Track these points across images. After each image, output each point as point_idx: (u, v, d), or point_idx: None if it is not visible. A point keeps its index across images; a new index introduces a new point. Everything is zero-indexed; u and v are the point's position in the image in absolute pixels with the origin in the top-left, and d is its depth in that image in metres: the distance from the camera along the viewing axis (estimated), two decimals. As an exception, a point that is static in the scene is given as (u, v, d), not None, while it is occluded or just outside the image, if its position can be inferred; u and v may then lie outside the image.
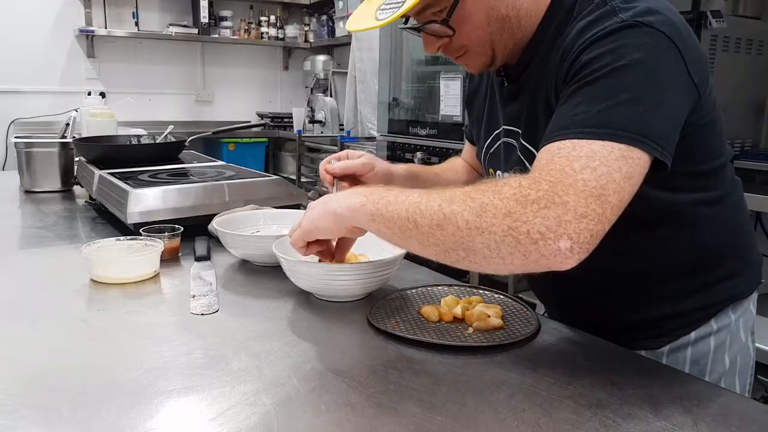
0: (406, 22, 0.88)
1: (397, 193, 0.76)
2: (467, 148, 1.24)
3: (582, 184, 0.65)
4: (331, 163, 1.07)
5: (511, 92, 0.93)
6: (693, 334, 0.91)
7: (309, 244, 0.88)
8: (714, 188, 0.87)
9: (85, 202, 1.70)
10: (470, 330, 0.85)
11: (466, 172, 1.23)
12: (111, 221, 1.46)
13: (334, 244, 0.94)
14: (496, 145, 1.00)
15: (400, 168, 1.14)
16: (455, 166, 1.25)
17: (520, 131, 0.91)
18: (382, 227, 0.75)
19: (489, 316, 0.87)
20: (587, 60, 0.73)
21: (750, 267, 0.95)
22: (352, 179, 1.06)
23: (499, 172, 1.00)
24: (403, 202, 0.73)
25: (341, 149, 3.27)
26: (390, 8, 0.78)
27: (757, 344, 0.98)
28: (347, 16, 4.20)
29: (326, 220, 0.82)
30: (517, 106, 0.92)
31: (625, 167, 0.67)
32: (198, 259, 1.11)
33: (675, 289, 0.90)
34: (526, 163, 0.89)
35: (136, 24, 4.39)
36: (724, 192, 0.89)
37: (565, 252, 0.64)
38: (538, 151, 0.85)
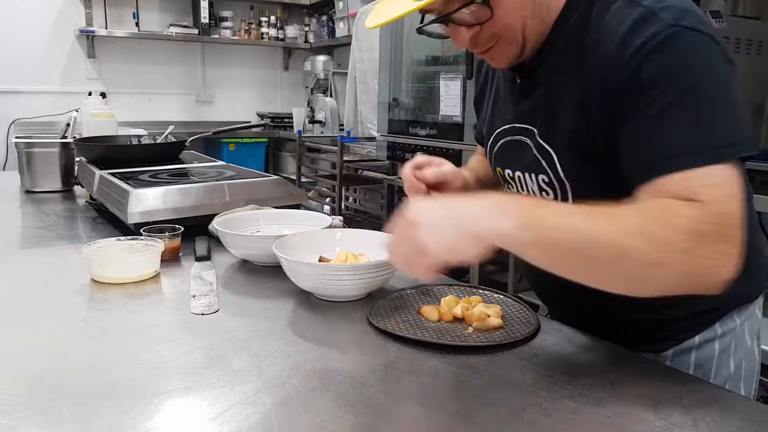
0: (421, 21, 0.84)
1: (555, 215, 0.69)
2: (480, 150, 1.19)
3: (734, 216, 0.67)
4: (425, 172, 0.98)
5: (524, 88, 0.90)
6: (697, 338, 0.90)
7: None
8: None
9: (86, 202, 1.70)
10: (470, 330, 0.85)
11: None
12: (111, 221, 1.46)
13: None
14: (500, 143, 0.98)
15: (467, 174, 1.08)
16: (482, 161, 1.17)
17: (535, 129, 0.89)
18: (536, 253, 0.69)
19: (489, 316, 0.87)
20: (653, 77, 0.72)
21: (756, 271, 0.93)
22: (433, 188, 1.00)
23: (509, 171, 0.96)
24: (564, 226, 0.68)
25: (341, 149, 3.28)
26: None
27: (762, 346, 0.97)
28: (348, 17, 4.20)
29: (467, 245, 0.69)
30: (531, 104, 0.89)
31: (740, 182, 0.70)
32: (198, 259, 1.11)
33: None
34: (542, 162, 0.87)
35: (137, 24, 4.39)
36: None
37: (725, 281, 0.67)
38: (555, 151, 0.85)
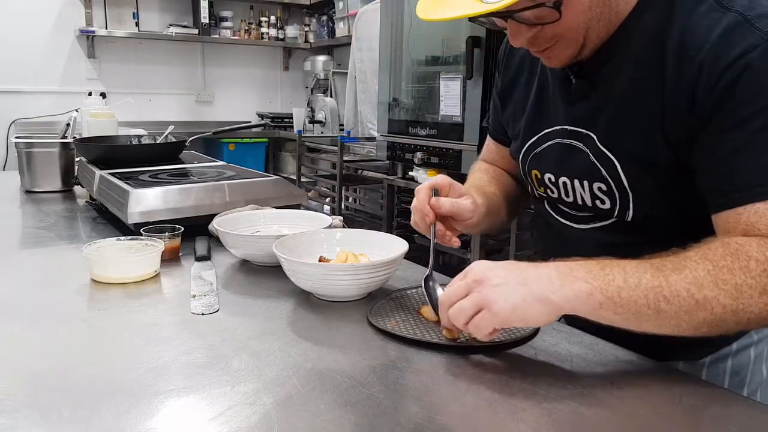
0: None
1: (622, 274, 0.68)
2: (491, 148, 1.14)
3: None
4: (432, 197, 0.90)
5: (580, 89, 0.85)
6: (735, 345, 0.89)
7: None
8: None
9: (86, 202, 1.70)
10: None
11: (505, 178, 1.11)
12: (111, 221, 1.46)
13: None
14: (544, 146, 0.92)
15: (480, 204, 0.97)
16: (499, 178, 1.11)
17: (592, 135, 0.84)
18: (611, 314, 0.69)
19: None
20: (748, 95, 0.69)
21: None
22: (444, 219, 0.93)
23: (550, 175, 0.92)
24: (637, 286, 0.67)
25: (341, 149, 3.28)
26: None
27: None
28: (348, 17, 4.20)
29: (536, 310, 0.69)
30: (589, 106, 0.84)
31: None
32: (198, 259, 1.11)
33: None
34: (602, 170, 0.83)
35: (137, 24, 4.39)
36: None
37: None
38: (619, 159, 0.80)
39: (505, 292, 0.70)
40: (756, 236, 0.68)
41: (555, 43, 0.80)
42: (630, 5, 0.78)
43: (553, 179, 0.92)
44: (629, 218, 0.84)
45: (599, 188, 0.84)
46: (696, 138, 0.74)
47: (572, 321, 0.92)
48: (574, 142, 0.87)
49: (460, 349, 0.79)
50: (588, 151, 0.85)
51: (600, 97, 0.83)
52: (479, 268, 0.73)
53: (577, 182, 0.87)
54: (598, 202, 0.86)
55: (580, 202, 0.89)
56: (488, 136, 1.16)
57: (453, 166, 2.42)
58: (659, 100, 0.76)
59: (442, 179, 0.93)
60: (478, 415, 0.64)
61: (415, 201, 0.92)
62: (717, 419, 0.65)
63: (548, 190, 0.94)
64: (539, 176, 0.94)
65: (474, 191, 0.99)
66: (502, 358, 0.78)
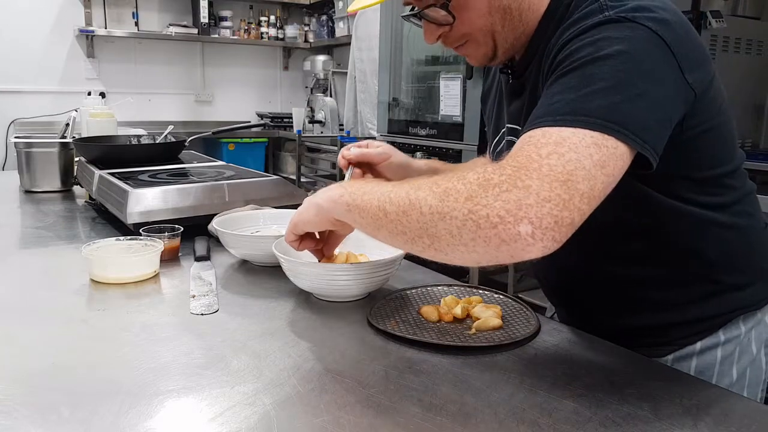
0: (412, 10, 0.86)
1: (374, 184, 0.76)
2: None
3: (547, 168, 0.62)
4: (351, 150, 1.06)
5: (514, 89, 0.92)
6: (699, 344, 0.88)
7: (302, 239, 0.90)
8: (720, 194, 0.84)
9: (85, 202, 1.70)
10: (471, 330, 0.85)
11: None
12: (111, 221, 1.46)
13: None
14: (502, 144, 0.99)
15: (420, 162, 1.12)
16: (476, 162, 1.20)
17: (521, 129, 0.89)
18: (357, 217, 0.76)
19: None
20: (567, 53, 0.72)
21: (763, 277, 0.91)
22: (369, 169, 1.06)
23: None
24: (376, 192, 0.73)
25: (341, 149, 3.28)
26: None
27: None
28: (347, 17, 4.20)
29: (309, 212, 0.83)
30: (519, 104, 0.90)
31: (597, 155, 0.64)
32: (198, 259, 1.11)
33: (680, 296, 0.87)
34: None
35: (136, 24, 4.39)
36: (734, 199, 0.85)
37: (526, 237, 0.60)
38: None
39: (300, 208, 0.86)
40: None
41: (465, 42, 0.86)
42: (537, 13, 0.83)
43: None
44: None
45: None
46: None
47: (574, 321, 0.92)
48: (513, 138, 0.92)
49: (460, 349, 0.79)
50: None
51: (526, 95, 0.88)
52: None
53: None
54: None
55: None
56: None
57: (453, 166, 2.42)
58: (540, 90, 0.80)
59: (362, 141, 1.08)
60: (478, 415, 0.64)
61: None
62: (717, 419, 0.64)
63: None
64: None
65: (435, 162, 1.15)
66: (502, 358, 0.78)
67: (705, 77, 0.76)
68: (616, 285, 0.90)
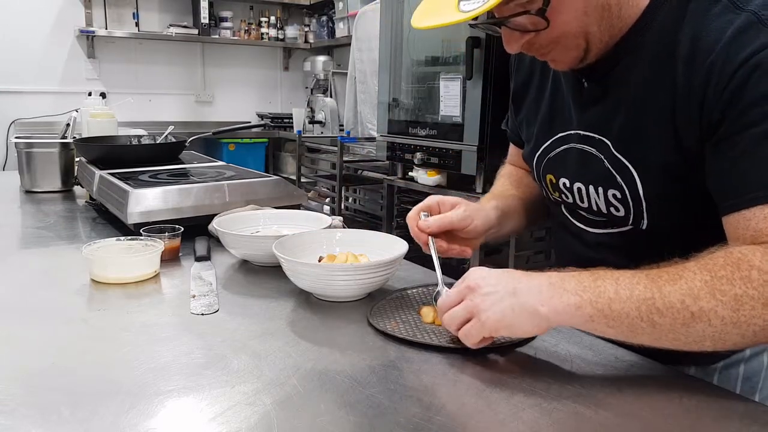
0: (488, 17, 0.78)
1: (614, 286, 0.68)
2: (512, 151, 1.13)
3: None
4: (422, 217, 0.93)
5: (592, 94, 0.84)
6: (748, 351, 0.87)
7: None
8: None
9: (86, 202, 1.70)
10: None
11: (529, 180, 1.10)
12: (111, 221, 1.46)
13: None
14: (557, 150, 0.92)
15: (489, 208, 1.00)
16: (522, 180, 1.11)
17: (607, 141, 0.83)
18: (603, 327, 0.68)
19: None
20: (759, 96, 0.66)
21: None
22: (447, 233, 0.94)
23: (565, 180, 0.91)
24: (629, 299, 0.66)
25: (341, 149, 3.28)
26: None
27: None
28: (347, 17, 4.20)
29: (524, 321, 0.70)
30: (601, 111, 0.83)
31: None
32: (198, 259, 1.11)
33: None
34: (617, 177, 0.82)
35: (137, 24, 4.39)
36: None
37: None
38: (635, 167, 0.78)
39: (494, 301, 0.71)
40: (762, 243, 0.66)
41: (554, 48, 0.79)
42: (638, 9, 0.77)
43: (567, 185, 0.91)
44: (644, 227, 0.83)
45: (614, 195, 0.83)
46: (707, 140, 0.72)
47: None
48: (588, 147, 0.86)
49: (460, 349, 0.79)
50: (603, 157, 0.84)
51: (612, 101, 0.82)
52: (474, 275, 0.74)
53: (591, 189, 0.86)
54: (612, 210, 0.85)
55: (594, 208, 0.88)
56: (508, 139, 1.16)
57: (453, 167, 2.41)
58: (670, 103, 0.75)
59: (428, 200, 0.96)
60: (478, 415, 0.64)
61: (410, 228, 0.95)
62: (717, 419, 0.65)
63: (563, 195, 0.93)
64: (554, 181, 0.93)
65: (496, 199, 1.02)
66: (502, 358, 0.78)
67: None
68: None
